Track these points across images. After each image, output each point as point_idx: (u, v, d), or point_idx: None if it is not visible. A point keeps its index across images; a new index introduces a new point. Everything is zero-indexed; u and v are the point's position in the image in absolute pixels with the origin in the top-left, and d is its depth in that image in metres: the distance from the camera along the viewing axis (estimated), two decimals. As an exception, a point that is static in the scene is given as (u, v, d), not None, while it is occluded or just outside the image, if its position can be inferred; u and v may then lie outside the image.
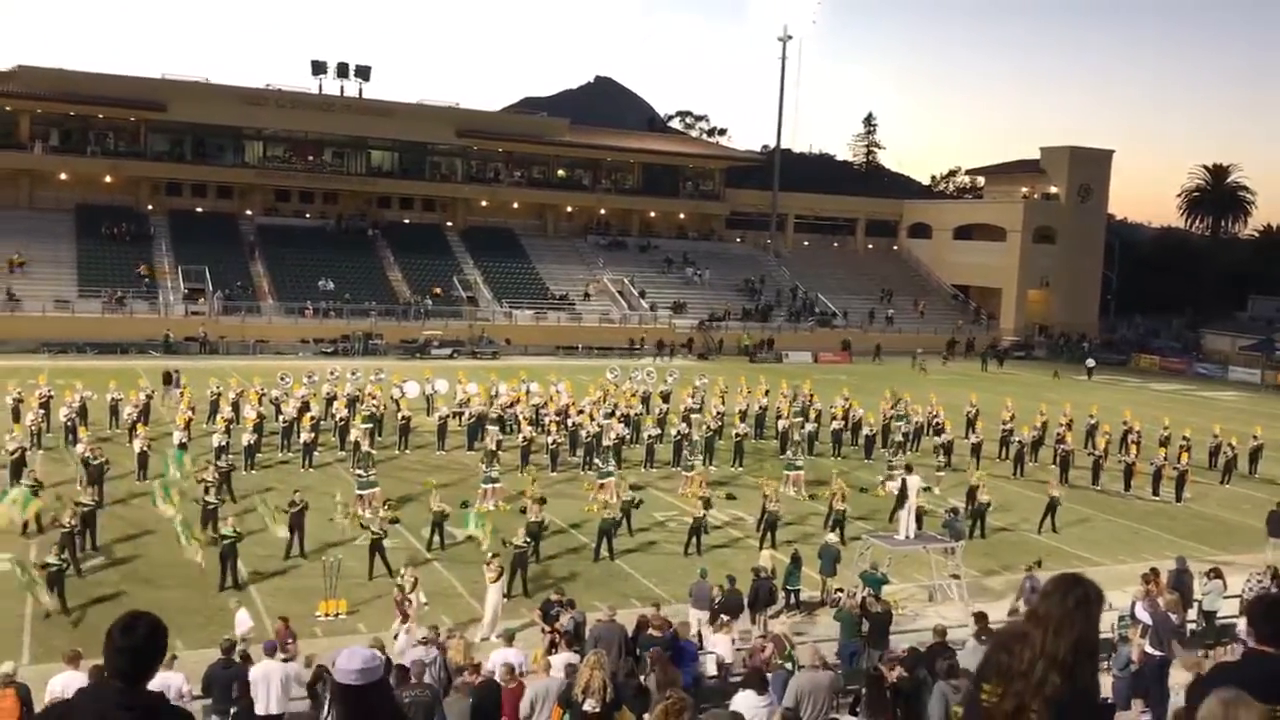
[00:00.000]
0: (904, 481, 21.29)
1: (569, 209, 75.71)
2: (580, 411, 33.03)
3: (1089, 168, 78.14)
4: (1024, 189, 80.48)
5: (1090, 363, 62.82)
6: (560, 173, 77.58)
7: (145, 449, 27.18)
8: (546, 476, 28.79)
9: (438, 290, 61.62)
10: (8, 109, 61.84)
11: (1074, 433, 33.72)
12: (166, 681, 12.32)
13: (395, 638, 16.10)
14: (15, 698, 11.66)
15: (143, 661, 3.87)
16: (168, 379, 37.21)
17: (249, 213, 65.39)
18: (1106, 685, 14.75)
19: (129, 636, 3.86)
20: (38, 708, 11.58)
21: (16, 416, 30.74)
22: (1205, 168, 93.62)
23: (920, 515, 21.49)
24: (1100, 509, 29.00)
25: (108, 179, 62.74)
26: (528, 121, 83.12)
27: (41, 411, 30.99)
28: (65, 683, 11.64)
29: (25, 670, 13.25)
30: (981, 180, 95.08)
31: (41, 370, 38.85)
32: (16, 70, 62.75)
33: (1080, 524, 27.11)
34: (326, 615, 18.28)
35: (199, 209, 64.96)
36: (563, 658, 12.73)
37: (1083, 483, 31.38)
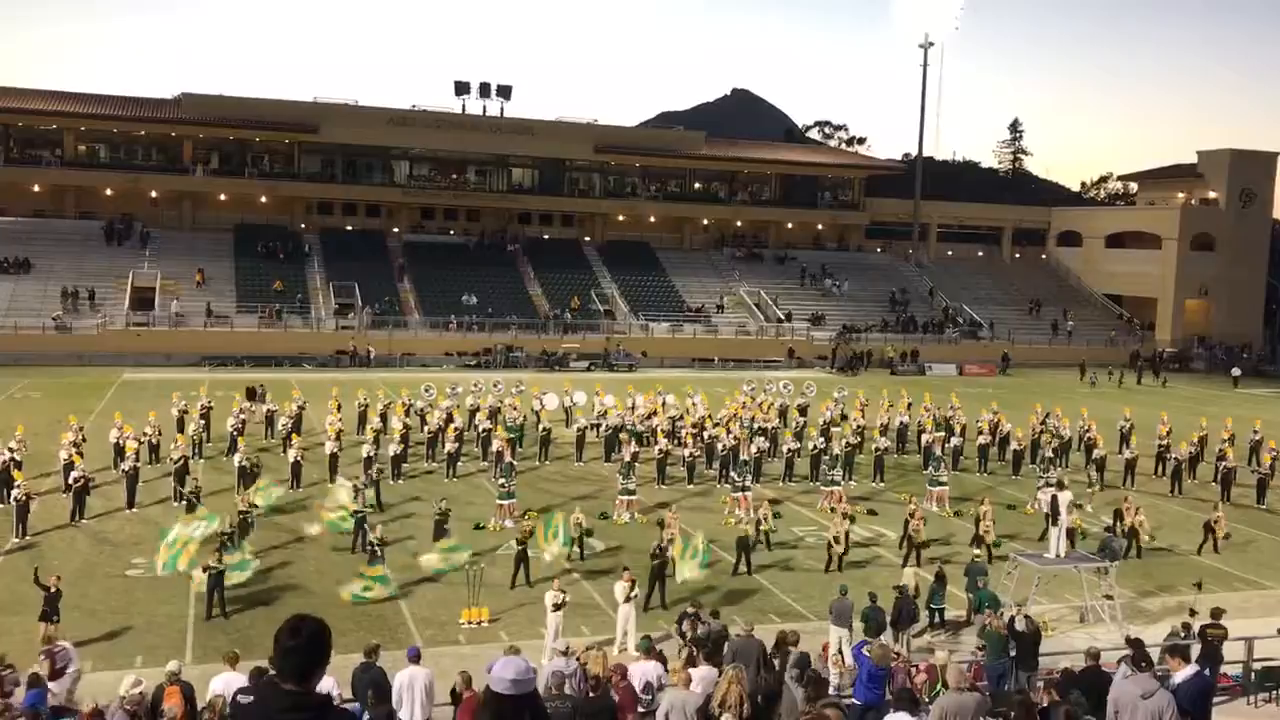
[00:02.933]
0: (1054, 498, 20.54)
1: (705, 221, 75.77)
2: (716, 424, 32.95)
3: (1251, 171, 74.40)
4: (1180, 194, 77.12)
5: (1236, 372, 59.58)
6: (697, 185, 77.72)
7: (299, 459, 28.20)
8: (683, 489, 28.77)
9: (576, 304, 62.48)
10: (173, 134, 65.38)
11: (1235, 448, 32.09)
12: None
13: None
14: (180, 695, 12.27)
15: (308, 662, 4.05)
16: (251, 394, 37.45)
17: (396, 230, 67.53)
18: None
19: (295, 638, 4.05)
20: (199, 705, 12.16)
21: (181, 427, 32.27)
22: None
23: (1073, 534, 20.72)
24: (1266, 529, 27.47)
25: (263, 199, 65.66)
26: (664, 136, 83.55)
27: (202, 422, 32.43)
28: (226, 682, 12.20)
29: (188, 670, 13.85)
30: (1134, 186, 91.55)
31: (202, 382, 40.75)
32: (180, 98, 66.30)
33: (1246, 545, 25.72)
34: (469, 623, 18.61)
35: (349, 227, 67.42)
36: (701, 671, 12.65)
37: (1246, 501, 29.83)
